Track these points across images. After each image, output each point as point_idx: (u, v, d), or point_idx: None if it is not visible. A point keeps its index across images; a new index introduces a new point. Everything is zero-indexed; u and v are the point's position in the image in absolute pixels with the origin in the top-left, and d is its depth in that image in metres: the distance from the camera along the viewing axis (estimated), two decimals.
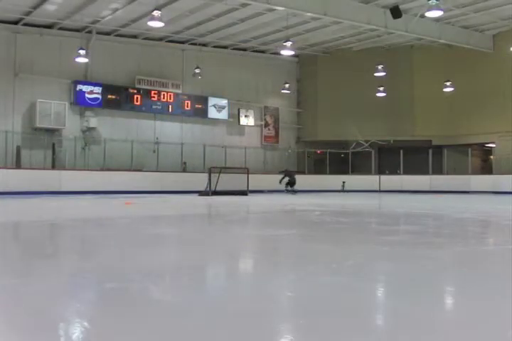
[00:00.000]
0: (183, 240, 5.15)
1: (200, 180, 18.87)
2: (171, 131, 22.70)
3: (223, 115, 23.99)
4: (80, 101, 20.28)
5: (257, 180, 20.34)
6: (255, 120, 25.17)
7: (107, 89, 20.76)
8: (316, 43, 23.90)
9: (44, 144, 19.30)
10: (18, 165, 18.58)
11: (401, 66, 24.44)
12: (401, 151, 24.05)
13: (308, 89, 26.27)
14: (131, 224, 6.96)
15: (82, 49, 18.47)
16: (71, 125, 19.85)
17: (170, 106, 22.33)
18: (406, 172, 23.59)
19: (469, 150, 23.04)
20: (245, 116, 24.84)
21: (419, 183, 23.13)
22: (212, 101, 23.62)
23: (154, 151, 21.79)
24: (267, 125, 25.79)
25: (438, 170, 23.84)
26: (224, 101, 23.94)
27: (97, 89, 20.55)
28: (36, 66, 19.53)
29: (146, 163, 21.26)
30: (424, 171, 23.45)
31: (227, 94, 24.06)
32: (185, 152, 22.29)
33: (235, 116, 24.48)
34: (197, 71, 21.27)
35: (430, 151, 23.95)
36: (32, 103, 19.24)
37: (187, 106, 22.87)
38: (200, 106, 23.26)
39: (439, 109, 24.36)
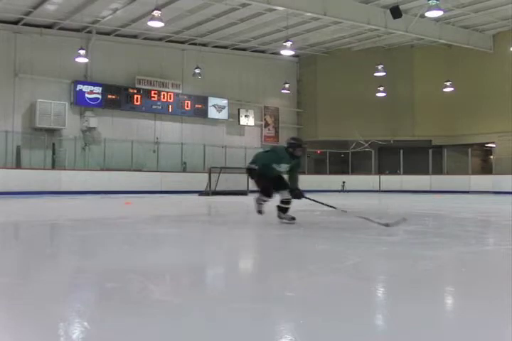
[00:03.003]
0: (183, 240, 5.15)
1: (200, 180, 18.87)
2: (171, 131, 22.68)
3: (223, 115, 23.98)
4: (80, 101, 20.27)
5: None
6: (255, 120, 25.16)
7: (106, 89, 20.75)
8: (316, 43, 23.89)
9: (44, 144, 19.29)
10: (18, 165, 18.59)
11: (401, 66, 24.43)
12: (401, 151, 24.03)
13: (308, 89, 26.26)
14: (131, 224, 6.96)
15: (82, 49, 18.46)
16: (71, 125, 19.85)
17: (170, 106, 22.32)
18: (406, 172, 23.56)
19: (469, 150, 23.02)
20: (245, 116, 24.83)
21: (419, 183, 23.11)
22: (212, 101, 23.61)
23: (154, 151, 21.78)
24: (266, 125, 25.78)
25: (438, 170, 23.84)
26: (224, 101, 23.93)
27: (97, 89, 20.55)
28: (36, 66, 19.52)
29: (146, 163, 21.26)
30: (424, 171, 23.42)
31: (227, 94, 24.05)
32: (185, 152, 22.27)
33: (235, 116, 24.46)
34: (197, 71, 21.26)
35: (430, 151, 23.92)
36: (32, 103, 19.24)
37: (187, 106, 22.86)
38: (200, 106, 23.25)
39: (439, 109, 24.34)
